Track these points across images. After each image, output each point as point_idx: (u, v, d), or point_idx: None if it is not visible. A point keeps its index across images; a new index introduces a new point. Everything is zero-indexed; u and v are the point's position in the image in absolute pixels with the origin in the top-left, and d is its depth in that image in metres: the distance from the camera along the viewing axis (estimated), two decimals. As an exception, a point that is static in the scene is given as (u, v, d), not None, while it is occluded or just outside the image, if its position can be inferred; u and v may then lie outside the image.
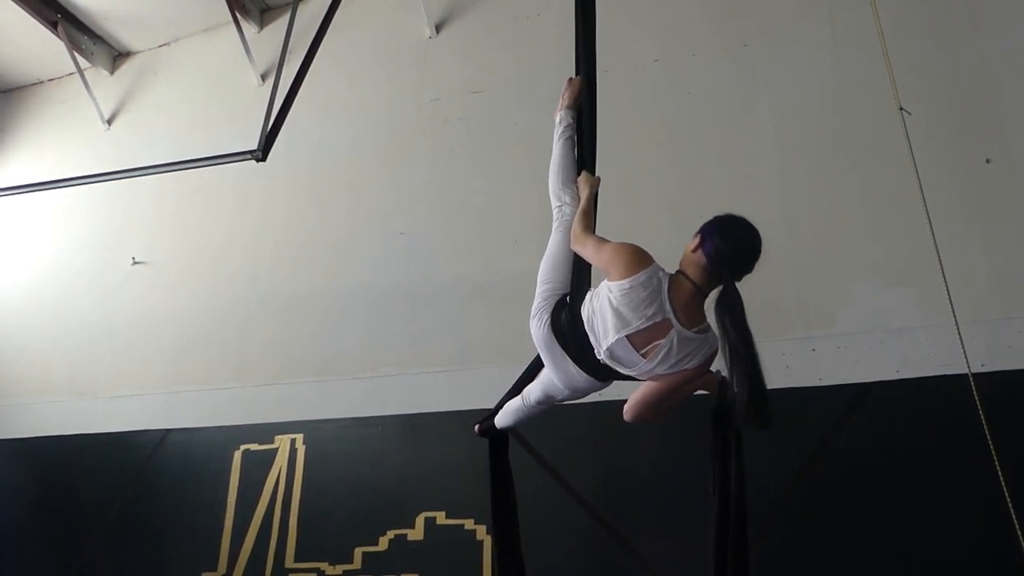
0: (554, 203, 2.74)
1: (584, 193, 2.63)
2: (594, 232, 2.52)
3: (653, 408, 2.37)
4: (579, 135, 2.79)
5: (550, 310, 2.55)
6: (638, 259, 2.27)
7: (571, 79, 2.88)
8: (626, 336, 2.23)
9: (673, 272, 2.30)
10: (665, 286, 2.23)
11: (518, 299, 4.49)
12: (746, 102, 4.54)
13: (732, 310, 2.13)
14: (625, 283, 2.23)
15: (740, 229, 2.28)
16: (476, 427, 3.21)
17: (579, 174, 2.72)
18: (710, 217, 2.35)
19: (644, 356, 2.24)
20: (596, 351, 2.33)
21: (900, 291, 3.83)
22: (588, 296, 2.40)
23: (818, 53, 4.47)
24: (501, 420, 3.02)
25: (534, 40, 5.30)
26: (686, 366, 2.24)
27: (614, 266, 2.28)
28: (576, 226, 2.53)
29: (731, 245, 2.22)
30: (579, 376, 2.47)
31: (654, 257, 2.31)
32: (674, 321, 2.20)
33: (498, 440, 3.23)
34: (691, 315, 2.23)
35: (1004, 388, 3.38)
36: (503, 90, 5.27)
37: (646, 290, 2.21)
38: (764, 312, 3.97)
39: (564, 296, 2.54)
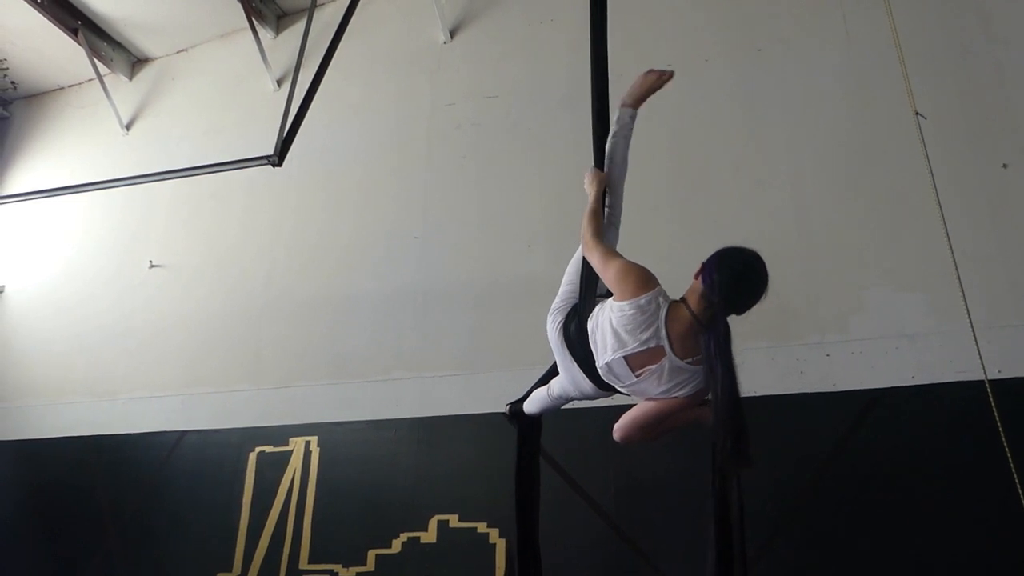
0: None
1: (592, 191, 2.62)
2: (598, 232, 2.51)
3: (642, 430, 2.40)
4: (593, 133, 2.76)
5: (565, 313, 2.58)
6: (642, 282, 2.25)
7: (648, 72, 2.77)
8: (623, 356, 2.25)
9: (678, 298, 2.27)
10: (663, 313, 2.21)
11: (530, 303, 4.52)
12: (759, 107, 4.53)
13: (717, 343, 2.06)
14: (626, 305, 2.23)
15: (740, 264, 2.19)
16: (506, 407, 3.17)
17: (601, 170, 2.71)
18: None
19: (638, 377, 2.26)
20: (596, 363, 2.36)
21: (915, 297, 3.80)
22: (596, 309, 2.41)
23: (832, 58, 4.45)
24: (528, 406, 3.02)
25: (547, 45, 5.31)
26: (676, 394, 2.24)
27: (618, 286, 2.28)
28: (585, 230, 2.52)
29: (728, 281, 2.15)
30: (583, 381, 2.49)
31: (662, 274, 2.31)
32: (667, 349, 2.19)
33: (528, 425, 3.13)
34: (686, 345, 2.19)
35: (1021, 395, 3.34)
36: (516, 95, 5.28)
37: (644, 314, 2.21)
38: (778, 317, 3.99)
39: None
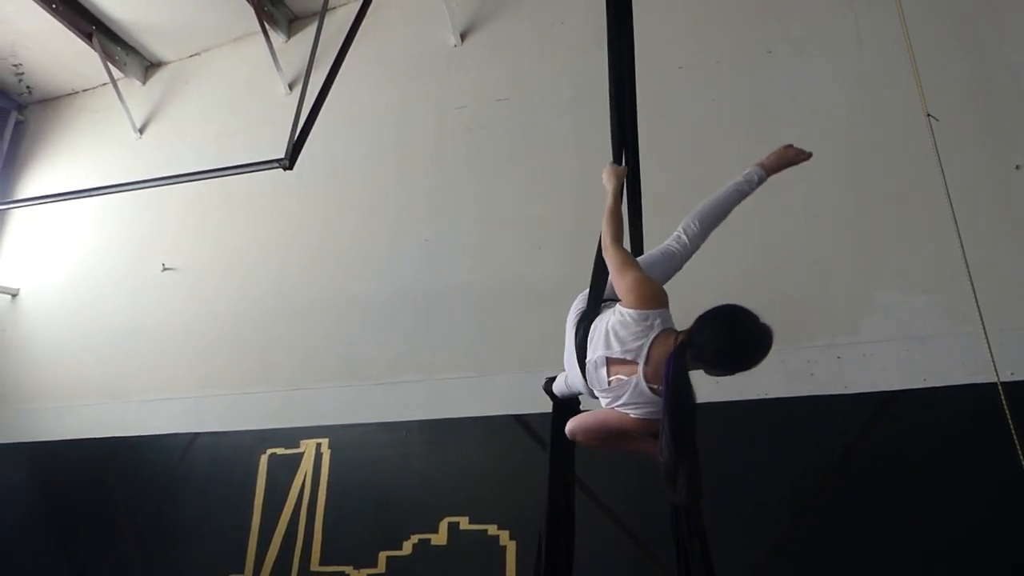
0: (679, 227, 2.74)
1: (609, 187, 2.64)
2: (622, 241, 2.52)
3: (585, 432, 2.50)
4: (612, 128, 2.79)
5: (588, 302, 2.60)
6: (652, 298, 2.28)
7: (789, 147, 2.87)
8: (605, 357, 2.30)
9: (677, 327, 2.27)
10: (653, 335, 2.23)
11: (540, 304, 4.54)
12: (769, 109, 4.52)
13: (668, 374, 2.07)
14: (628, 312, 2.28)
15: (733, 338, 2.13)
16: (544, 380, 3.15)
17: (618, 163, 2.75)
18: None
19: (610, 384, 2.31)
20: (587, 358, 2.41)
21: (927, 299, 3.78)
22: (607, 312, 2.43)
23: (843, 59, 4.44)
24: (555, 386, 3.03)
25: (558, 48, 5.32)
26: (628, 412, 2.28)
27: (629, 295, 2.31)
28: (605, 232, 2.52)
29: (711, 347, 2.11)
30: (577, 374, 2.51)
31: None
32: (640, 368, 2.22)
33: (562, 405, 3.05)
34: (658, 372, 2.18)
35: (1034, 397, 3.33)
36: (527, 98, 5.29)
37: (639, 327, 2.25)
38: (788, 319, 3.97)
39: (608, 300, 2.56)
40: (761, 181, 2.80)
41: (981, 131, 3.97)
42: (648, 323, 2.24)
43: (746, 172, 2.80)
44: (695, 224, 2.71)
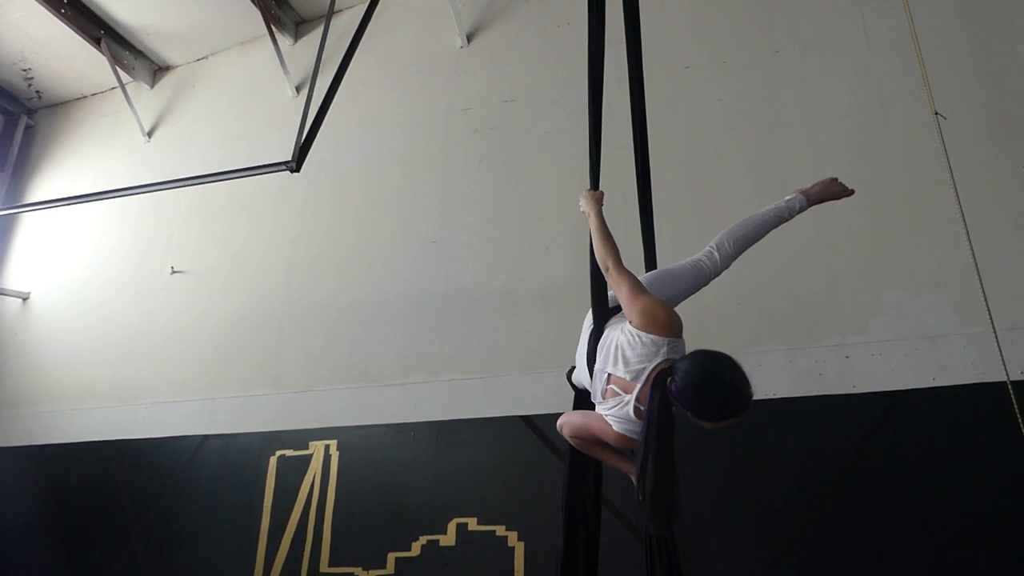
0: (712, 243, 2.72)
1: (591, 211, 2.58)
2: (619, 258, 2.47)
3: (570, 428, 2.54)
4: (590, 153, 2.75)
5: (609, 306, 2.60)
6: (667, 325, 2.26)
7: (835, 181, 2.86)
8: (608, 373, 2.32)
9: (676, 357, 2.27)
10: (656, 361, 2.23)
11: (548, 306, 4.55)
12: (777, 109, 4.51)
13: (651, 397, 2.11)
14: (638, 334, 2.27)
15: (706, 371, 2.08)
16: (568, 369, 3.16)
17: (594, 189, 2.71)
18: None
19: (604, 396, 2.34)
20: (595, 365, 2.43)
21: (936, 298, 3.77)
22: (619, 324, 2.42)
23: (851, 59, 4.43)
24: (575, 378, 3.03)
25: (564, 49, 5.33)
26: (612, 423, 2.29)
27: (641, 317, 2.29)
28: (604, 256, 2.46)
29: (685, 380, 2.07)
30: (585, 371, 2.53)
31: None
32: (636, 389, 2.23)
33: (582, 394, 3.02)
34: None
35: (1044, 396, 3.31)
36: (534, 99, 5.30)
37: (646, 350, 2.25)
38: (797, 319, 3.97)
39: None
40: (802, 209, 2.80)
41: (990, 130, 3.96)
42: (656, 348, 2.24)
43: (788, 198, 2.80)
44: (729, 244, 2.69)
